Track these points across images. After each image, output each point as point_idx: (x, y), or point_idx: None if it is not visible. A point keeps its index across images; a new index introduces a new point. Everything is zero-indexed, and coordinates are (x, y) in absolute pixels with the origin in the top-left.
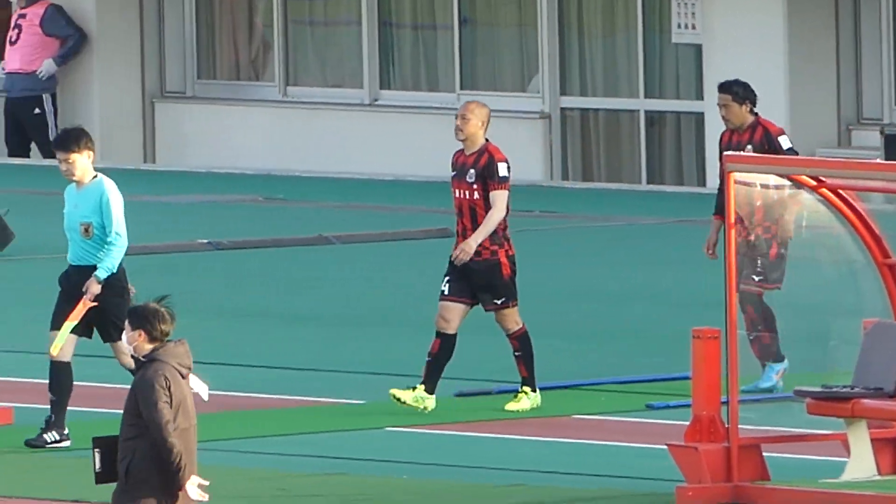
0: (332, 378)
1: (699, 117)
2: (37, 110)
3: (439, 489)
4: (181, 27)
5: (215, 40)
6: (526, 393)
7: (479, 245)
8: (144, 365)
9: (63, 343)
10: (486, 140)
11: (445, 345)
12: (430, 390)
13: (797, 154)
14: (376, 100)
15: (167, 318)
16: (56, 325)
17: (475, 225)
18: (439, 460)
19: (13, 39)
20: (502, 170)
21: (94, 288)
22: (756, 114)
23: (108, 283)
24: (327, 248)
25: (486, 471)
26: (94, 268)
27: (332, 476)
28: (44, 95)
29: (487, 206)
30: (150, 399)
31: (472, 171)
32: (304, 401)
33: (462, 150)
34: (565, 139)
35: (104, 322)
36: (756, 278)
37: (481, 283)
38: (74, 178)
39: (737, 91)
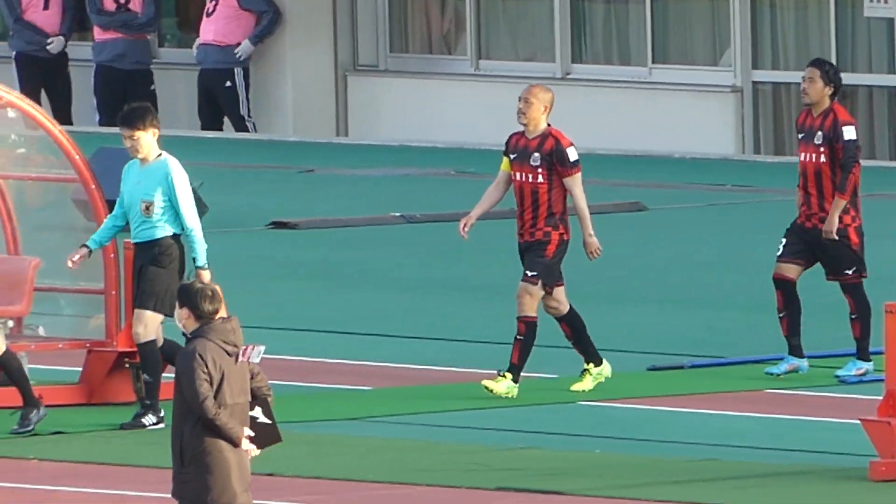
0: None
1: (892, 91)
2: (228, 83)
3: (632, 464)
4: (374, 1)
5: (408, 14)
6: (505, 377)
7: (535, 226)
8: (188, 342)
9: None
10: (549, 124)
11: (572, 322)
12: (598, 362)
13: (857, 147)
14: (568, 73)
15: (210, 297)
16: (138, 303)
17: (535, 210)
18: (632, 435)
19: (209, 11)
20: (572, 154)
21: (206, 276)
22: (834, 100)
23: (160, 252)
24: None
25: (679, 445)
26: (155, 243)
27: (526, 450)
28: (235, 69)
29: (550, 191)
30: (187, 375)
31: (536, 154)
32: (491, 374)
33: (521, 133)
34: (757, 113)
35: (137, 285)
36: None
37: (528, 257)
38: (139, 156)
39: (827, 70)
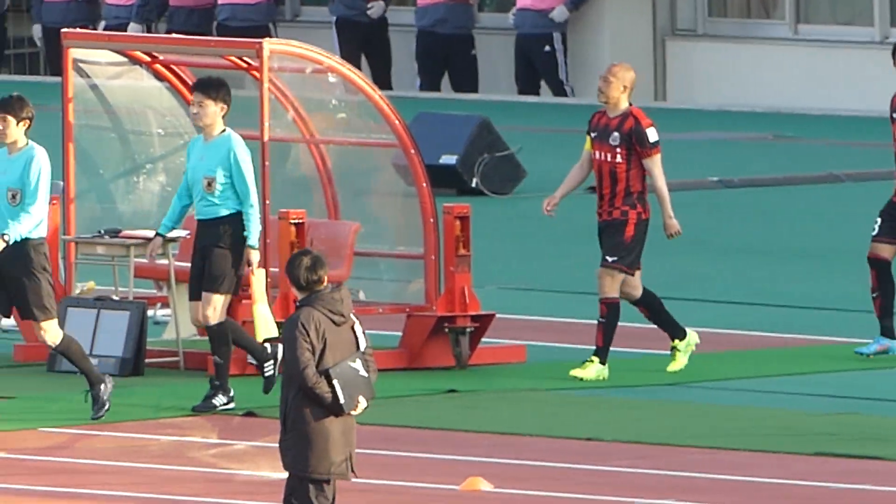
0: (840, 317)
1: None
2: (547, 48)
3: None
4: None
5: None
6: (593, 361)
7: (613, 206)
8: (295, 310)
9: (267, 328)
10: (630, 104)
11: (650, 303)
12: (681, 336)
13: None
14: (886, 37)
15: (308, 266)
16: (194, 295)
17: (614, 189)
18: None
19: None
20: (652, 135)
21: (254, 257)
22: None
23: (223, 231)
24: (837, 185)
25: None
26: (219, 221)
27: (844, 416)
28: (554, 34)
29: (629, 170)
30: (289, 343)
31: (615, 133)
32: (811, 340)
33: (603, 112)
34: None
35: (200, 266)
36: None
37: (607, 240)
38: (202, 124)
39: None
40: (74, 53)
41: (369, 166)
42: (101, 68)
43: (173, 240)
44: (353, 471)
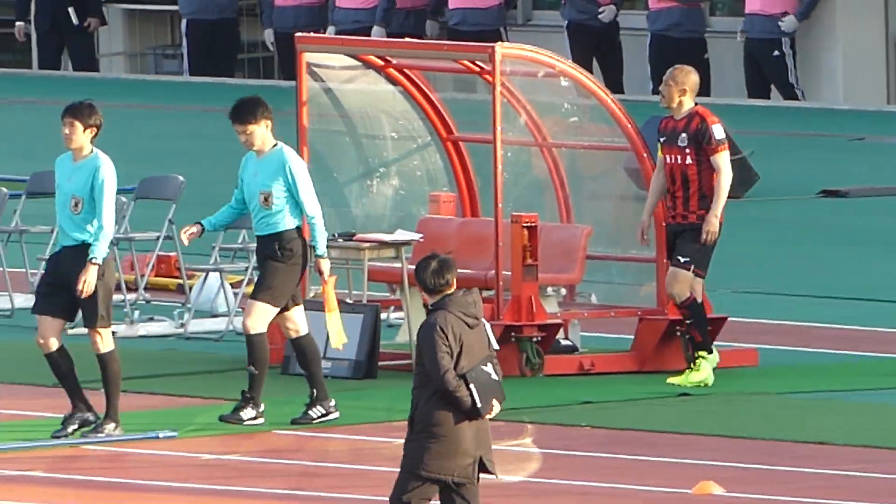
0: None
1: None
2: (776, 53)
3: None
4: None
5: None
6: (703, 357)
7: (687, 209)
8: (428, 314)
9: (341, 335)
10: (695, 104)
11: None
12: (710, 351)
13: None
14: None
15: (435, 270)
16: (255, 295)
17: (686, 192)
18: None
19: None
20: (718, 132)
21: (325, 266)
22: None
23: (280, 245)
24: None
25: None
26: (276, 237)
27: None
28: (783, 39)
29: (700, 172)
30: (428, 347)
31: (683, 134)
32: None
33: (670, 116)
34: None
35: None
36: None
37: (681, 243)
38: (255, 149)
39: None
40: (308, 57)
41: (601, 170)
42: (335, 72)
43: (406, 243)
44: (492, 472)
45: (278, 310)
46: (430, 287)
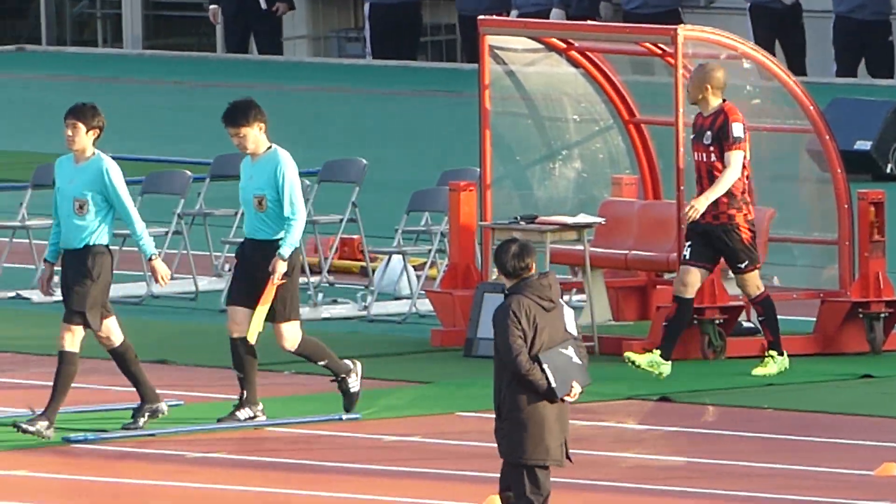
0: None
1: None
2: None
3: None
4: None
5: None
6: (773, 357)
7: (718, 209)
8: (504, 298)
9: (260, 329)
10: (724, 100)
11: (683, 309)
12: (665, 356)
13: None
14: None
15: (515, 253)
16: (233, 300)
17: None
18: None
19: None
20: (737, 130)
21: (280, 267)
22: None
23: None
24: None
25: None
26: (269, 242)
27: None
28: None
29: (725, 169)
30: (500, 331)
31: (708, 132)
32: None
33: (700, 112)
34: None
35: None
36: None
37: (721, 247)
38: (248, 151)
39: None
40: (491, 40)
41: (783, 152)
42: (517, 55)
43: (589, 225)
44: (567, 457)
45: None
46: (510, 270)
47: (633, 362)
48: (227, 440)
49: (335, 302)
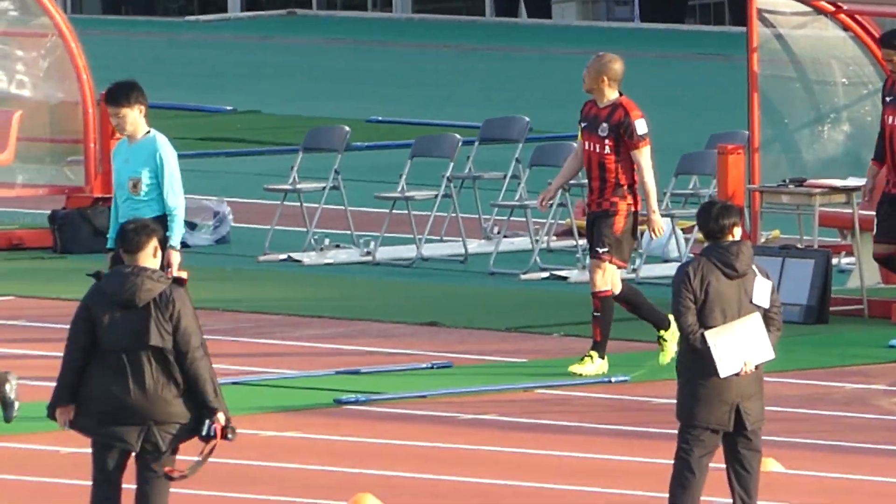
0: None
1: None
2: None
3: None
4: None
5: None
6: (591, 357)
7: (602, 196)
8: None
9: None
10: (620, 93)
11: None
12: (601, 353)
13: None
14: None
15: (713, 214)
16: None
17: (603, 181)
18: None
19: None
20: (640, 127)
21: (175, 258)
22: None
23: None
24: None
25: None
26: None
27: None
28: None
29: (618, 162)
30: (673, 294)
31: (604, 124)
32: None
33: (593, 101)
34: None
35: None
36: None
37: (596, 231)
38: (126, 133)
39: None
40: (759, 3)
41: None
42: (785, 18)
43: (857, 188)
44: (745, 424)
45: None
46: (707, 231)
47: (580, 374)
48: (497, 402)
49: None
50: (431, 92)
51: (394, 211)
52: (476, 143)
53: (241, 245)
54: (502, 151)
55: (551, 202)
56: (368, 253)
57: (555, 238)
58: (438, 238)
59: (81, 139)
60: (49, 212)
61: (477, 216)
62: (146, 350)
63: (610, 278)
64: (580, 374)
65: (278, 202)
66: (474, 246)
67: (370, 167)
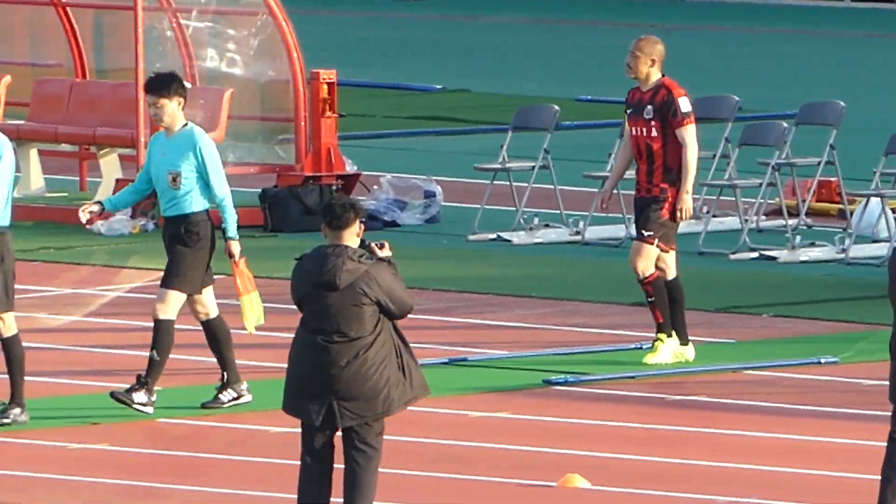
0: None
1: None
2: None
3: None
4: None
5: None
6: (662, 340)
7: (651, 182)
8: None
9: (256, 317)
10: (662, 74)
11: (672, 290)
12: (683, 342)
13: None
14: None
15: None
16: (165, 282)
17: (651, 165)
18: None
19: None
20: (684, 105)
21: (235, 248)
22: None
23: (186, 228)
24: None
25: None
26: (183, 217)
27: None
28: None
29: (666, 145)
30: (891, 273)
31: (648, 107)
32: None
33: (637, 88)
34: None
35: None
36: None
37: (643, 216)
38: (164, 125)
39: None
40: None
41: None
42: None
43: None
44: None
45: (187, 295)
46: None
47: (653, 364)
48: (705, 383)
49: (813, 245)
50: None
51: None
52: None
53: (451, 224)
54: (712, 131)
55: (608, 203)
56: (577, 232)
57: (764, 218)
58: None
59: (292, 117)
60: (260, 190)
61: None
62: (345, 332)
63: (653, 261)
64: (658, 364)
65: (488, 181)
66: (683, 225)
67: (579, 146)
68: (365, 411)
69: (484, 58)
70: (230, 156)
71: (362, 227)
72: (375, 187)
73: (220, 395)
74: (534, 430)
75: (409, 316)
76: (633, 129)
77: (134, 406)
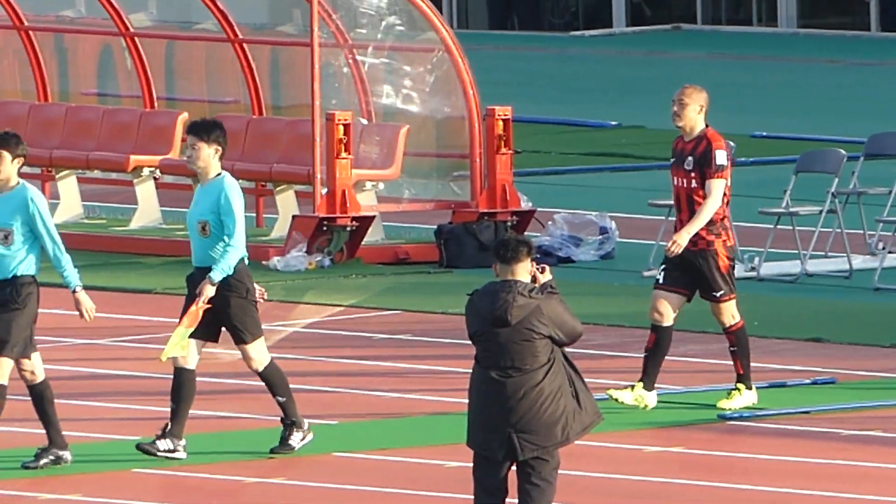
0: None
1: None
2: None
3: None
4: None
5: None
6: (739, 390)
7: (696, 234)
8: None
9: (176, 350)
10: (707, 125)
11: (661, 338)
12: (648, 387)
13: None
14: None
15: None
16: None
17: (692, 215)
18: None
19: None
20: (720, 158)
21: (208, 290)
22: None
23: (226, 285)
24: None
25: None
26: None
27: None
28: None
29: (706, 195)
30: None
31: (689, 158)
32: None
33: (681, 137)
34: None
35: (228, 325)
36: None
37: (697, 273)
38: (197, 168)
39: None
40: None
41: None
42: None
43: None
44: None
45: (262, 338)
46: None
47: (615, 399)
48: (881, 418)
49: None
50: (816, 106)
51: (778, 226)
52: (861, 159)
53: (626, 260)
54: (888, 167)
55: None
56: (753, 268)
57: None
58: (823, 254)
59: (467, 154)
60: (435, 226)
61: (862, 231)
62: (519, 366)
63: (732, 312)
64: (729, 409)
65: (663, 217)
66: (859, 262)
67: (754, 182)
68: (545, 442)
69: (659, 94)
70: (406, 192)
71: (533, 264)
72: (550, 223)
73: (158, 442)
74: (708, 464)
75: (583, 351)
76: (675, 179)
77: (160, 454)
